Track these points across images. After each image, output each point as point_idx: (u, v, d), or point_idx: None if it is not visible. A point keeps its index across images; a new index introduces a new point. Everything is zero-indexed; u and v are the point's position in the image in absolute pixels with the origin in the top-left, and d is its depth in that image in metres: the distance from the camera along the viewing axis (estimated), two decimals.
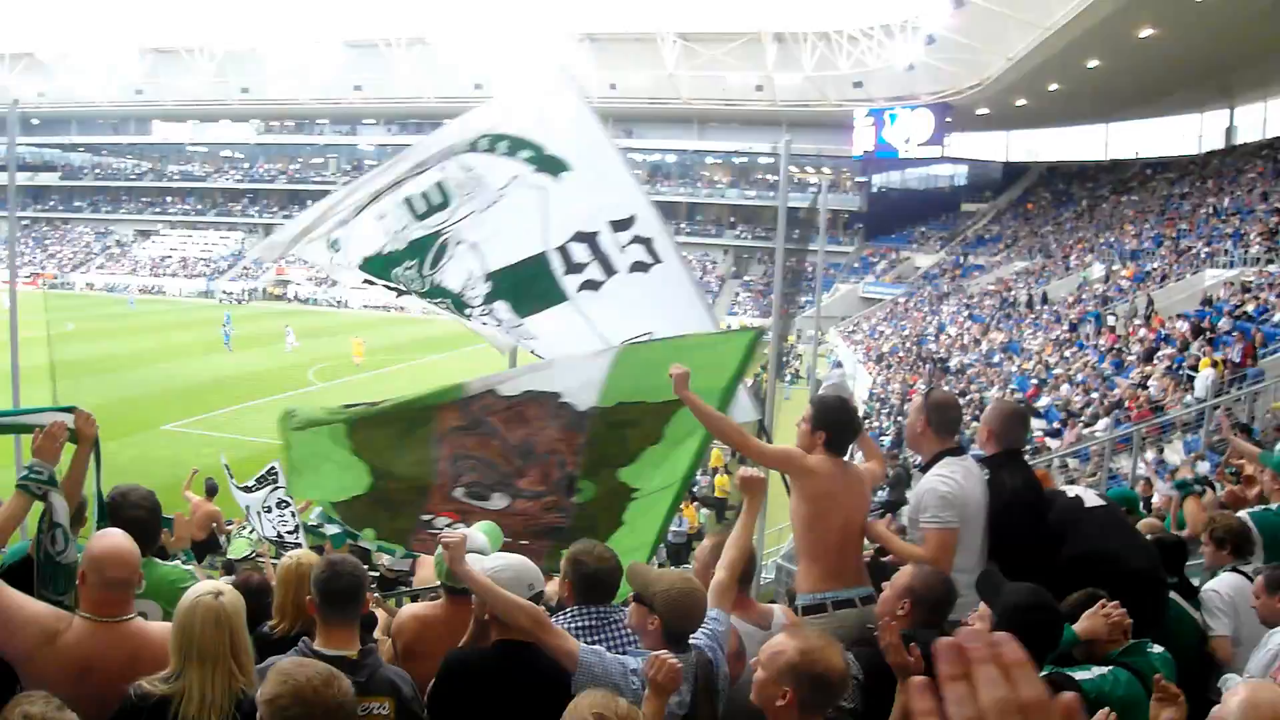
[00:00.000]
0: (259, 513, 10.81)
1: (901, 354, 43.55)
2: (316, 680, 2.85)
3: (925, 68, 57.59)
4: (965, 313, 46.96)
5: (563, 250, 6.57)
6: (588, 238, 6.56)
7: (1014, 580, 3.81)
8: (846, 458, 5.21)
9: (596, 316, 6.53)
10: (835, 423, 4.94)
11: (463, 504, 6.24)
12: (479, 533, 4.85)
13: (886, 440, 27.51)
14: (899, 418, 29.67)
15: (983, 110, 61.39)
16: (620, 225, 6.58)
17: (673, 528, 16.44)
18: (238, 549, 11.87)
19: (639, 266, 6.58)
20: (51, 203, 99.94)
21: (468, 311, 6.80)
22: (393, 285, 6.96)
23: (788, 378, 35.54)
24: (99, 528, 4.50)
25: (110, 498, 4.64)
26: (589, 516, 6.38)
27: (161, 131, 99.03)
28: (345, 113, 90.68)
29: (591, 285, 6.55)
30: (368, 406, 6.20)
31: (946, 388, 27.99)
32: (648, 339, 6.21)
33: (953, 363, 37.04)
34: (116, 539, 3.72)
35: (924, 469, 5.08)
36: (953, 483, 4.78)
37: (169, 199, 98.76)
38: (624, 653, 3.92)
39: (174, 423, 31.81)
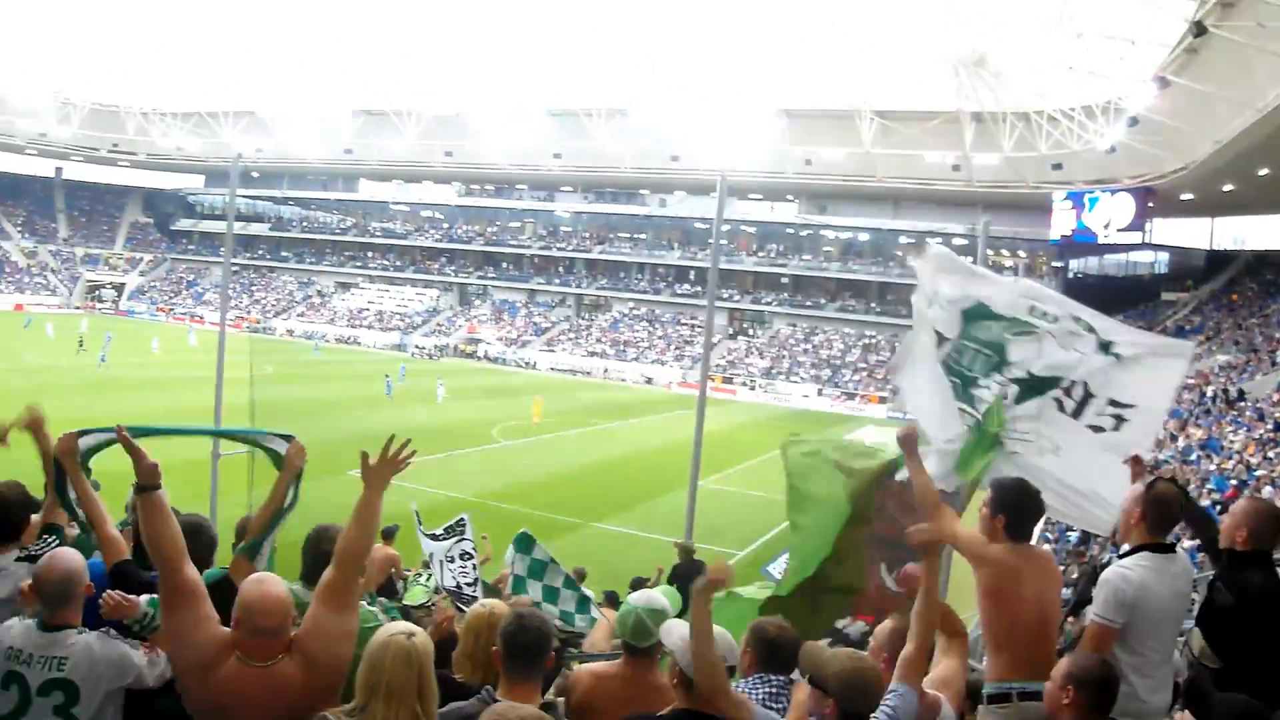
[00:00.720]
0: (441, 561, 10.99)
1: None
2: None
3: (1127, 150, 55.84)
4: None
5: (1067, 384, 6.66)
6: (1087, 391, 6.60)
7: (1241, 683, 3.62)
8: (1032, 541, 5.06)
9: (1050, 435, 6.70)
10: (1014, 506, 4.85)
11: (884, 588, 6.62)
12: (660, 595, 4.87)
13: (1074, 536, 26.54)
14: None
15: (1187, 195, 58.93)
16: (1115, 403, 6.59)
17: None
18: (414, 596, 12.08)
19: (1097, 428, 6.63)
20: (260, 251, 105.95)
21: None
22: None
23: None
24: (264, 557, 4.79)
25: (312, 533, 4.77)
26: None
27: (367, 189, 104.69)
28: (544, 179, 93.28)
29: (1063, 408, 6.64)
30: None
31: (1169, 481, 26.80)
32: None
33: (1147, 458, 35.42)
34: (266, 586, 3.70)
35: (1121, 556, 4.92)
36: (1133, 581, 4.63)
37: (370, 254, 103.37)
38: None
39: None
